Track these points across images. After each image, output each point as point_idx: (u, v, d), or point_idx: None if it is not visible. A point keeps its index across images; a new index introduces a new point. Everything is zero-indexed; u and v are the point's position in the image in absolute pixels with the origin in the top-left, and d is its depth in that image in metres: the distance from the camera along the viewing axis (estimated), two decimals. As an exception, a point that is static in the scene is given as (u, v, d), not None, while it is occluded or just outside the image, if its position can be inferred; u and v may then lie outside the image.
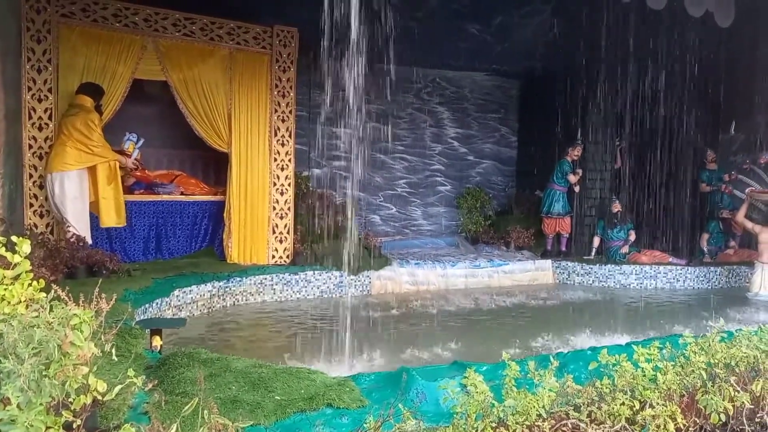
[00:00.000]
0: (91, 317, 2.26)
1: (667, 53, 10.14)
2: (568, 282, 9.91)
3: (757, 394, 3.00)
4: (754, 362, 3.19)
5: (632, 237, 10.18)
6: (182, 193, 8.46)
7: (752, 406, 3.00)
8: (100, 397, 2.28)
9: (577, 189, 10.52)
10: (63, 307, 2.24)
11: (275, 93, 8.37)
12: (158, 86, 8.17)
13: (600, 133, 10.66)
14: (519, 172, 12.67)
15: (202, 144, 8.27)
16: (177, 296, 6.73)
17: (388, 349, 5.77)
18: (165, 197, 8.28)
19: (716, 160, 10.83)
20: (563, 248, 10.59)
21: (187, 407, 2.14)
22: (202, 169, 9.33)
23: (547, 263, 10.08)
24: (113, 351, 2.43)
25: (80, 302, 2.38)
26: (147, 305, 5.99)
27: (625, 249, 10.09)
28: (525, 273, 9.85)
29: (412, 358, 5.50)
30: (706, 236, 10.59)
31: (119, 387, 2.22)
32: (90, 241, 6.87)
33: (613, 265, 9.82)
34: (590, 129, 10.59)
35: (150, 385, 2.97)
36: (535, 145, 11.86)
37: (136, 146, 7.85)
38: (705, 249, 10.55)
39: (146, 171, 8.57)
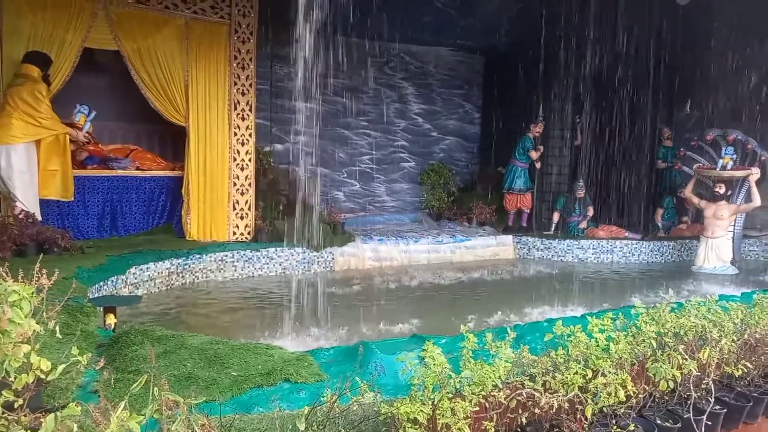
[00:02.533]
0: (32, 294, 2.16)
1: (626, 32, 10.26)
2: (529, 257, 10.09)
3: (704, 362, 3.11)
4: (701, 331, 3.30)
5: (590, 212, 10.40)
6: (138, 168, 8.20)
7: (699, 373, 3.11)
8: (43, 376, 2.19)
9: (538, 165, 10.65)
10: (1, 284, 2.13)
11: (234, 65, 8.13)
12: (111, 56, 7.84)
13: (561, 110, 10.77)
14: (482, 149, 12.74)
15: (159, 117, 8.00)
16: (133, 274, 6.57)
17: (350, 324, 5.77)
18: (120, 172, 8.01)
19: (672, 138, 11.10)
20: (524, 224, 10.75)
21: (135, 385, 2.07)
22: (159, 144, 9.04)
23: (509, 239, 10.22)
24: (57, 329, 2.33)
25: (19, 279, 2.26)
26: (101, 283, 5.82)
27: (584, 224, 10.31)
28: (486, 248, 9.97)
29: (373, 333, 5.51)
30: (660, 211, 10.90)
31: (63, 366, 2.13)
32: (39, 218, 6.61)
33: (571, 240, 10.03)
34: (552, 106, 10.69)
35: (101, 364, 2.88)
36: (498, 122, 11.92)
37: (87, 119, 7.55)
38: (659, 224, 10.86)
39: (99, 145, 8.27)
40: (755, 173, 9.03)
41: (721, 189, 9.11)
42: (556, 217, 10.51)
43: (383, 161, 12.00)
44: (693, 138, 10.31)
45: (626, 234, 10.29)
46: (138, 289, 6.61)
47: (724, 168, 9.25)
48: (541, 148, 10.57)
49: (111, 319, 4.48)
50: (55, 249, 6.24)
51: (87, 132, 7.57)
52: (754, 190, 8.96)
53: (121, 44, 7.46)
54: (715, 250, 9.08)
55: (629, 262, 9.87)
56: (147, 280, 6.78)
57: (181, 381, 2.94)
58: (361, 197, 11.85)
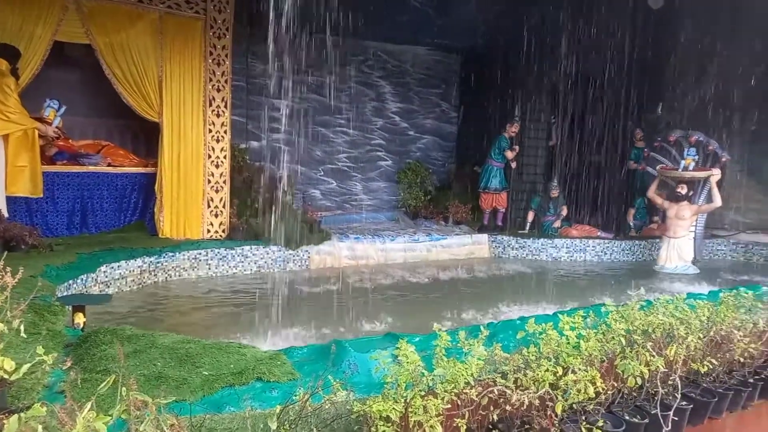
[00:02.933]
0: (-6, 292, 2.11)
1: (600, 34, 10.40)
2: (504, 255, 10.18)
3: (671, 358, 3.17)
4: (669, 329, 3.36)
5: (564, 212, 10.55)
6: (109, 165, 8.05)
7: (666, 370, 3.17)
8: (7, 377, 2.14)
9: (513, 165, 10.75)
10: (-38, 282, 2.07)
11: (210, 61, 8.04)
12: (82, 50, 7.69)
13: (536, 111, 10.89)
14: (459, 148, 12.81)
15: (132, 113, 7.87)
16: (104, 272, 6.45)
17: (325, 323, 5.75)
18: (91, 168, 7.86)
19: (644, 139, 11.29)
20: (499, 223, 10.85)
21: (102, 385, 2.03)
22: (131, 140, 8.90)
23: (484, 237, 10.30)
24: (22, 328, 2.27)
25: (-18, 276, 2.21)
26: (70, 281, 5.70)
27: (558, 223, 10.45)
28: (462, 247, 10.03)
29: (348, 332, 5.50)
30: (632, 211, 11.10)
31: (27, 365, 2.09)
32: (6, 214, 6.45)
33: (545, 239, 10.15)
34: (528, 106, 10.79)
35: (68, 363, 2.82)
36: (475, 121, 12.00)
37: (57, 114, 7.39)
38: (631, 223, 11.05)
39: (70, 140, 8.11)
40: (716, 174, 9.19)
41: (683, 189, 9.25)
42: (530, 216, 10.63)
43: (360, 159, 11.99)
44: (656, 139, 10.47)
45: (599, 233, 10.46)
46: (109, 287, 6.49)
47: (686, 169, 9.41)
48: (517, 147, 10.68)
49: (80, 318, 4.39)
50: (23, 246, 6.09)
51: (57, 127, 7.41)
52: (715, 191, 9.12)
53: (93, 38, 7.32)
54: (677, 250, 9.22)
55: (602, 261, 10.03)
56: (118, 279, 6.66)
57: (151, 381, 2.89)
58: (337, 195, 11.82)
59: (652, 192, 9.72)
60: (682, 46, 10.90)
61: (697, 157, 9.46)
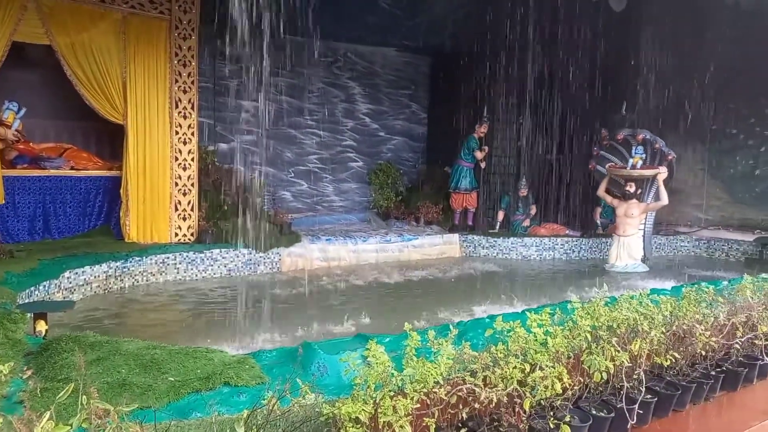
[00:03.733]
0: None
1: (566, 35, 10.59)
2: (474, 254, 10.27)
3: (635, 353, 3.23)
4: (633, 324, 3.42)
5: (533, 211, 10.69)
6: (72, 168, 7.86)
7: (630, 364, 3.23)
8: (-40, 388, 2.06)
9: (483, 165, 10.84)
10: None
11: (175, 62, 7.91)
12: (42, 50, 7.48)
13: (505, 111, 11.01)
14: (429, 149, 12.88)
15: (95, 115, 7.70)
16: (68, 278, 6.29)
17: (295, 325, 5.71)
18: (53, 172, 7.67)
19: (609, 138, 11.50)
20: (470, 222, 10.94)
21: (61, 393, 1.97)
22: (95, 143, 8.69)
23: (455, 237, 10.37)
24: (-25, 337, 2.19)
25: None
26: (32, 288, 5.55)
27: (527, 222, 10.59)
28: (434, 247, 10.08)
29: (319, 334, 5.47)
30: (599, 210, 11.28)
31: (-20, 375, 2.01)
32: (-37, 220, 6.24)
33: (515, 238, 10.27)
34: (496, 107, 10.91)
35: (28, 373, 2.74)
36: (445, 122, 12.07)
37: (16, 116, 7.19)
38: (598, 222, 11.25)
39: (31, 144, 7.88)
40: (663, 172, 9.21)
41: (631, 188, 9.25)
42: (500, 215, 10.74)
43: (331, 161, 11.95)
44: (605, 137, 10.49)
45: (567, 232, 10.62)
46: (73, 294, 6.33)
47: (634, 167, 9.42)
48: (486, 148, 10.78)
49: (41, 326, 4.27)
50: (-19, 253, 5.90)
51: (16, 130, 7.21)
52: (662, 189, 9.15)
53: (53, 38, 7.13)
54: (627, 248, 9.22)
55: (570, 259, 10.20)
56: (83, 285, 6.50)
57: (115, 388, 2.83)
58: (309, 197, 11.75)
59: (601, 191, 9.67)
60: (645, 46, 11.16)
61: (644, 156, 9.51)
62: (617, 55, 11.33)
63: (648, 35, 11.10)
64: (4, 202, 7.02)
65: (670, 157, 9.60)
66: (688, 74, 10.79)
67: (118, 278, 7.02)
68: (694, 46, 10.56)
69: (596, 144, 10.83)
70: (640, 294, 3.83)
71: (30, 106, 7.49)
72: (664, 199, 9.19)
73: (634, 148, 9.59)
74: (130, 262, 7.17)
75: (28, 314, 4.32)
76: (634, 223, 9.25)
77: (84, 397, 2.13)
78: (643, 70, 11.17)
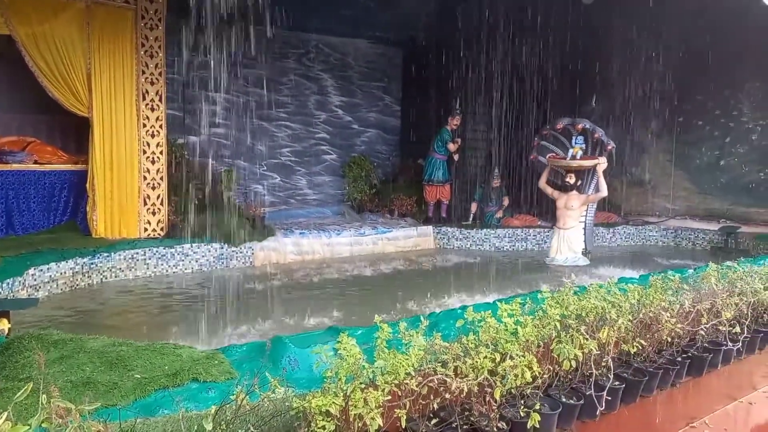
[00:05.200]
0: None
1: (536, 28, 10.67)
2: (448, 246, 10.31)
3: (603, 341, 3.28)
4: (601, 312, 3.47)
5: (506, 202, 10.78)
6: (36, 162, 7.65)
7: (599, 352, 3.28)
8: None
9: (456, 157, 10.88)
10: None
11: (142, 53, 7.73)
12: (2, 41, 7.23)
13: (477, 103, 11.05)
14: (402, 141, 12.87)
15: (59, 108, 7.49)
16: (32, 275, 6.13)
17: (268, 319, 5.66)
18: (15, 166, 7.44)
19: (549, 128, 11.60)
20: (444, 214, 10.97)
21: (19, 393, 1.91)
22: (60, 136, 8.47)
23: (429, 229, 10.40)
24: (-72, 336, 2.11)
25: None
26: (-6, 286, 5.39)
27: (500, 214, 10.67)
28: (408, 239, 10.10)
29: (291, 328, 5.44)
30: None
31: (-67, 376, 1.94)
32: None
33: (488, 230, 10.35)
34: (469, 99, 10.94)
35: (-12, 373, 2.65)
36: (418, 114, 12.08)
37: None
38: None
39: (-9, 137, 7.64)
40: (602, 163, 8.95)
41: (571, 179, 8.96)
42: (473, 207, 10.80)
43: (304, 154, 11.86)
44: (544, 127, 10.08)
45: (539, 222, 10.74)
46: (38, 291, 6.17)
47: (573, 158, 9.13)
48: (459, 140, 10.81)
49: (3, 324, 4.14)
50: (-60, 251, 5.70)
51: None
52: (602, 179, 8.88)
53: (14, 28, 6.91)
54: (567, 242, 8.98)
55: (543, 250, 10.29)
56: (48, 282, 6.34)
57: (79, 387, 2.76)
58: (282, 190, 11.65)
59: (542, 182, 9.38)
60: (614, 39, 11.32)
61: (584, 146, 9.20)
62: (587, 47, 11.47)
63: (617, 27, 11.25)
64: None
65: (609, 147, 9.21)
66: (655, 66, 10.97)
67: (86, 275, 6.86)
68: (661, 38, 10.74)
69: (537, 134, 10.48)
70: (608, 282, 3.89)
71: (-10, 98, 7.26)
72: (604, 190, 8.93)
73: (574, 137, 9.32)
74: (98, 258, 7.01)
75: (-10, 313, 4.18)
76: (574, 215, 8.97)
77: (44, 396, 2.07)
78: (612, 62, 11.33)
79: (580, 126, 9.35)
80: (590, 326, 3.35)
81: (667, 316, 3.67)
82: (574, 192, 9.03)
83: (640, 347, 3.53)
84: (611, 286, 3.75)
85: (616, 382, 3.38)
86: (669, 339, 3.77)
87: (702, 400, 3.80)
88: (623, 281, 4.56)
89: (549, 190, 9.32)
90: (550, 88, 11.47)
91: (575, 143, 9.24)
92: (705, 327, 3.97)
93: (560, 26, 10.73)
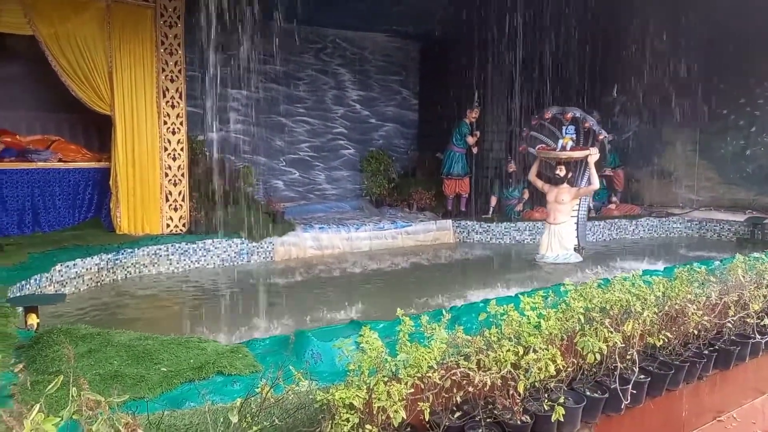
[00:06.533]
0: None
1: (556, 18, 10.53)
2: (468, 240, 10.26)
3: (628, 334, 3.24)
4: (626, 305, 3.43)
5: (526, 195, 10.68)
6: (61, 160, 7.78)
7: (624, 345, 3.24)
8: (-52, 383, 2.04)
9: (475, 150, 10.81)
10: None
11: (162, 51, 7.81)
12: (25, 41, 7.36)
13: (496, 96, 10.96)
14: (420, 135, 12.82)
15: (82, 106, 7.60)
16: (59, 271, 6.24)
17: (290, 313, 5.70)
18: (41, 165, 7.58)
19: (600, 121, 11.48)
20: (463, 208, 10.92)
21: (50, 386, 1.95)
22: (83, 134, 8.60)
23: (448, 223, 10.36)
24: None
25: None
26: (23, 282, 5.50)
27: (520, 207, 10.58)
28: (427, 233, 10.07)
29: (314, 322, 5.47)
30: (591, 193, 11.28)
31: (-32, 369, 1.99)
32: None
33: (508, 223, 10.27)
34: (487, 91, 10.85)
35: (20, 366, 2.71)
36: (436, 108, 12.01)
37: None
38: (590, 205, 11.21)
39: (17, 136, 7.79)
40: (594, 154, 8.36)
41: (561, 171, 8.41)
42: (493, 200, 10.73)
43: (322, 149, 11.88)
44: (533, 117, 9.56)
45: (560, 215, 10.60)
46: (65, 287, 6.28)
47: (563, 148, 8.57)
48: (478, 133, 10.74)
49: (33, 320, 4.24)
50: (-30, 248, 5.84)
51: None
52: (593, 171, 8.32)
53: (36, 29, 7.01)
54: (558, 237, 8.44)
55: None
56: (74, 278, 6.46)
57: (107, 380, 2.81)
58: (300, 186, 11.70)
59: (532, 175, 8.83)
60: (636, 28, 11.12)
61: (575, 136, 8.65)
62: (608, 37, 11.30)
63: (638, 16, 11.06)
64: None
65: (601, 137, 8.75)
66: (679, 56, 10.76)
67: (111, 270, 6.97)
68: (683, 27, 10.53)
69: (527, 125, 10.08)
70: (633, 275, 3.84)
71: (15, 98, 7.39)
72: (595, 183, 8.38)
73: (564, 127, 8.79)
74: (122, 254, 7.12)
75: (19, 308, 4.28)
76: (565, 209, 8.40)
77: (74, 389, 2.11)
78: (633, 52, 11.14)
79: (569, 115, 8.83)
80: (614, 319, 3.31)
81: (694, 309, 3.61)
82: (565, 185, 8.44)
83: (666, 340, 3.48)
84: (636, 279, 3.70)
85: (642, 376, 3.34)
86: (695, 332, 3.70)
87: (729, 394, 3.74)
88: (647, 273, 4.50)
89: (539, 183, 8.76)
90: (570, 79, 11.32)
91: (565, 133, 8.62)
92: (732, 319, 3.89)
93: (580, 15, 10.57)
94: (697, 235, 10.75)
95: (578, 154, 8.40)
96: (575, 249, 8.56)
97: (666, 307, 3.60)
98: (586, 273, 7.35)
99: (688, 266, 4.29)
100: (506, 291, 6.33)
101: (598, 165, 8.51)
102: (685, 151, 11.51)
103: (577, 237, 8.60)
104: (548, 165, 8.84)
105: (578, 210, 8.62)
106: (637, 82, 11.20)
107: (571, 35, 10.86)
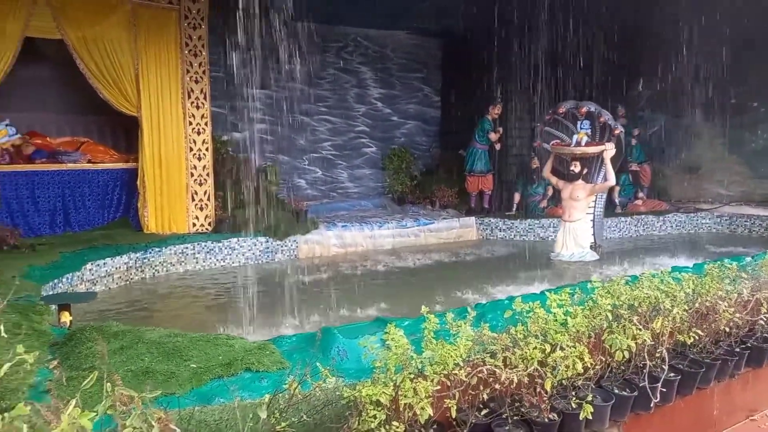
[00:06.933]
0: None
1: (579, 12, 10.38)
2: (491, 237, 10.21)
3: (657, 331, 3.20)
4: (654, 302, 3.38)
5: (550, 192, 10.56)
6: (89, 161, 7.95)
7: (653, 343, 3.20)
8: (-12, 378, 2.10)
9: (498, 147, 10.73)
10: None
11: (186, 52, 7.92)
12: (54, 45, 7.52)
13: (519, 92, 10.87)
14: (442, 132, 12.78)
15: (109, 108, 7.75)
16: (90, 270, 6.38)
17: (315, 311, 5.74)
18: (71, 166, 7.76)
19: (626, 116, 11.31)
20: (486, 205, 10.86)
21: (86, 381, 2.00)
22: (110, 135, 8.77)
23: (471, 220, 10.31)
24: (1, 328, 2.23)
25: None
26: (56, 281, 5.63)
27: (544, 203, 10.48)
28: (450, 231, 10.04)
29: (339, 319, 5.50)
30: (617, 188, 11.12)
31: (7, 365, 2.05)
32: (-14, 216, 6.35)
33: (532, 220, 10.18)
34: (510, 87, 10.77)
35: (54, 363, 2.78)
36: (458, 105, 11.96)
37: (8, 134, 7.32)
38: (616, 200, 11.09)
39: (48, 138, 7.98)
40: (609, 149, 8.16)
41: (576, 167, 8.21)
42: (517, 197, 10.65)
43: (344, 147, 11.92)
44: (547, 112, 9.24)
45: (585, 211, 10.47)
46: (95, 285, 6.42)
47: (578, 144, 8.37)
48: (500, 129, 10.66)
49: (66, 317, 4.34)
50: (4, 247, 6.02)
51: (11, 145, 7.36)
52: (609, 167, 8.10)
53: (65, 32, 7.17)
54: (573, 235, 8.25)
55: (589, 239, 10.07)
56: (104, 276, 6.59)
57: (139, 376, 2.87)
58: (323, 184, 11.76)
59: (547, 171, 8.66)
60: (661, 21, 10.91)
61: (590, 131, 8.44)
62: (633, 31, 11.10)
63: (664, 9, 10.85)
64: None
65: (617, 132, 8.42)
66: (707, 48, 10.53)
67: (139, 269, 7.11)
68: (712, 19, 10.29)
69: (541, 120, 9.73)
70: (662, 272, 3.78)
71: (45, 101, 7.57)
72: (612, 179, 8.17)
73: (579, 122, 8.47)
74: (150, 252, 7.24)
75: (53, 306, 4.39)
76: (580, 206, 8.19)
77: (108, 384, 2.16)
78: (659, 45, 10.93)
79: (584, 109, 8.58)
80: (643, 316, 3.27)
81: (725, 306, 3.54)
82: (580, 181, 8.24)
83: (697, 337, 3.42)
84: (665, 276, 3.65)
85: (672, 374, 3.29)
86: (727, 329, 3.64)
87: (762, 392, 3.67)
88: (676, 270, 4.43)
89: (553, 179, 8.60)
90: (595, 73, 11.16)
91: (580, 128, 8.41)
92: (765, 316, 3.81)
93: (604, 9, 10.41)
94: (727, 230, 10.52)
95: (593, 149, 8.22)
96: (591, 247, 8.37)
97: (696, 304, 3.54)
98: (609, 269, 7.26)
99: (718, 262, 4.21)
100: (531, 288, 6.27)
101: (615, 160, 8.30)
102: (714, 145, 11.27)
103: (594, 235, 8.40)
104: (563, 161, 8.64)
105: (594, 207, 8.41)
106: (664, 76, 10.98)
107: (595, 28, 10.71)
